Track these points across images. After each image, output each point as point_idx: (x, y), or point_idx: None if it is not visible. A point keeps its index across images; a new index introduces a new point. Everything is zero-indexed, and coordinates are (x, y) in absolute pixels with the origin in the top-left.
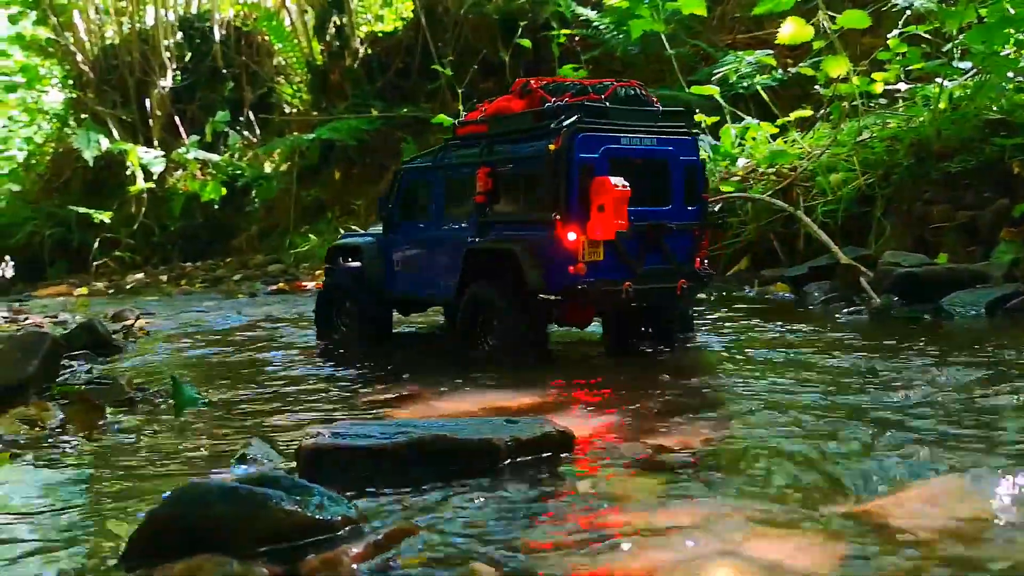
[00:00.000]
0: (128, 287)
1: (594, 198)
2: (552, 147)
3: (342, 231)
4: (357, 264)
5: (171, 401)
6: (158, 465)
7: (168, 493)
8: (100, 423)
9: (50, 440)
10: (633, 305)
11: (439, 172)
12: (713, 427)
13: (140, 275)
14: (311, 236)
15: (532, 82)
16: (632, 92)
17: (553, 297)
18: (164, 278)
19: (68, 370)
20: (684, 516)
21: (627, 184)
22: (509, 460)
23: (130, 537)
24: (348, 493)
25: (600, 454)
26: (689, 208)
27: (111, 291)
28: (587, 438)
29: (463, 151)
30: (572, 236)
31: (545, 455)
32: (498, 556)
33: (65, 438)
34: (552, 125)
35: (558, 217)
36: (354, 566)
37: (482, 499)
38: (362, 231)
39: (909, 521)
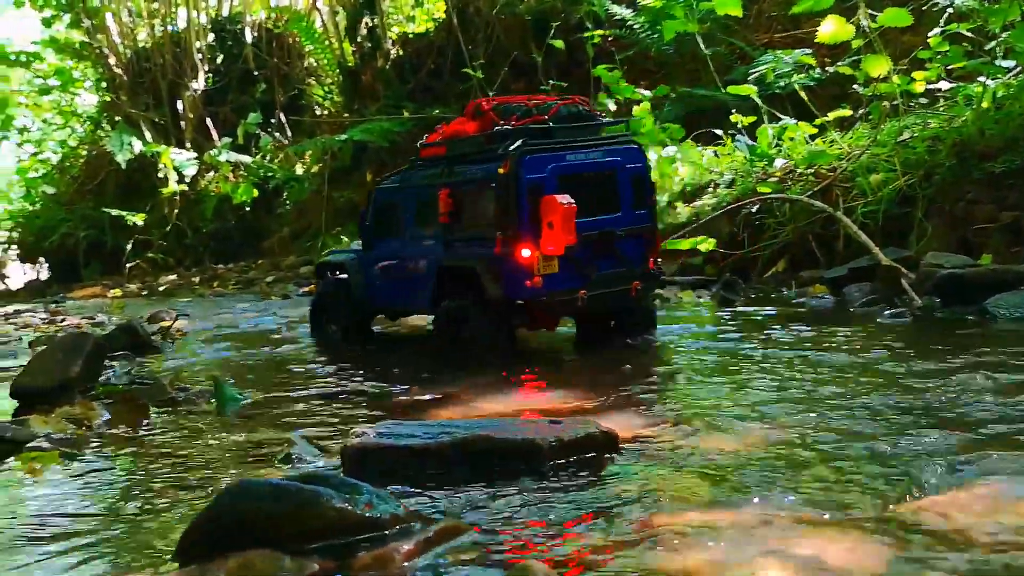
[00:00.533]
0: (161, 288)
1: (544, 216)
2: (501, 170)
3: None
4: (343, 277)
5: (213, 401)
6: (204, 463)
7: (220, 490)
8: (144, 422)
9: (97, 439)
10: (589, 310)
11: (407, 192)
12: (760, 429)
13: (173, 277)
14: (343, 237)
15: (484, 104)
16: (575, 109)
17: (515, 306)
18: (196, 280)
19: (109, 370)
20: (732, 516)
21: (572, 201)
22: (553, 461)
23: (184, 532)
24: (393, 492)
25: (644, 455)
26: (638, 213)
27: (144, 292)
28: (629, 438)
29: (427, 172)
30: (526, 253)
31: (589, 455)
32: (546, 554)
33: (111, 437)
34: (500, 150)
35: (510, 235)
36: (405, 563)
37: (527, 498)
38: (346, 249)
39: (963, 524)
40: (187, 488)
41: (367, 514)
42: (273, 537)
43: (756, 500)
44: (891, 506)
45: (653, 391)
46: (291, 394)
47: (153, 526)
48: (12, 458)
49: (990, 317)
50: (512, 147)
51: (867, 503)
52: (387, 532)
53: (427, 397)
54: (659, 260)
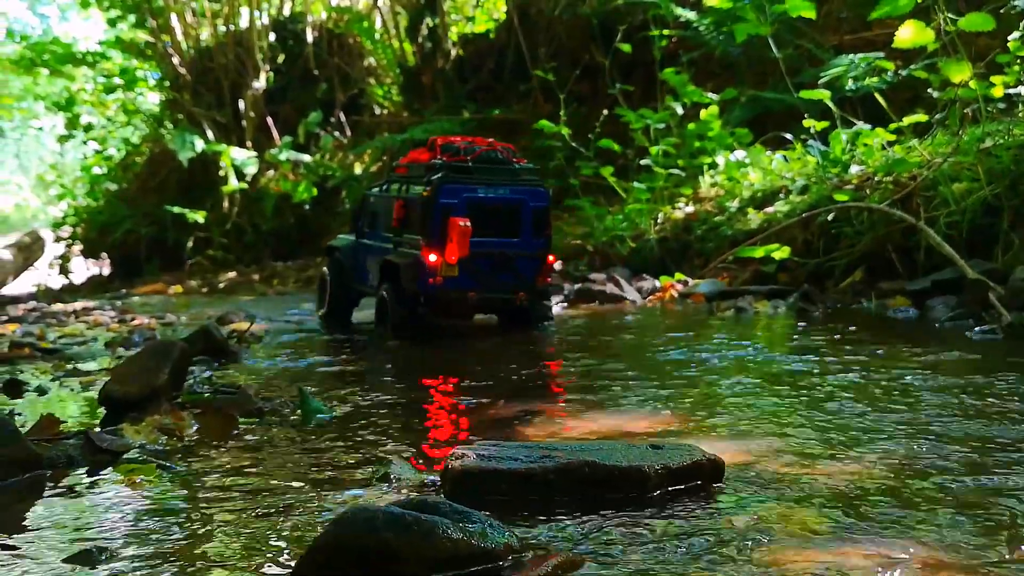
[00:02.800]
0: (221, 286)
1: (448, 232)
2: (424, 194)
3: None
4: (339, 257)
5: (299, 412)
6: (300, 481)
7: (333, 514)
8: (234, 433)
9: (189, 451)
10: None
11: (381, 199)
12: (867, 458)
13: (232, 274)
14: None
15: (437, 140)
16: (496, 155)
17: (420, 298)
18: (256, 277)
19: (191, 376)
20: (858, 554)
21: (469, 223)
22: (658, 490)
23: (299, 560)
24: (498, 519)
25: (749, 484)
26: (535, 241)
27: (204, 290)
28: (730, 465)
29: (393, 185)
30: (433, 258)
31: (694, 484)
32: None
33: (202, 449)
34: (426, 178)
35: (425, 244)
36: None
37: (635, 529)
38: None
39: None
40: (292, 506)
41: (481, 544)
42: (391, 567)
43: (879, 537)
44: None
45: (742, 413)
46: (372, 404)
47: (262, 547)
48: (109, 469)
49: None
50: (435, 177)
51: (1002, 545)
52: (501, 563)
53: (512, 412)
54: (550, 279)
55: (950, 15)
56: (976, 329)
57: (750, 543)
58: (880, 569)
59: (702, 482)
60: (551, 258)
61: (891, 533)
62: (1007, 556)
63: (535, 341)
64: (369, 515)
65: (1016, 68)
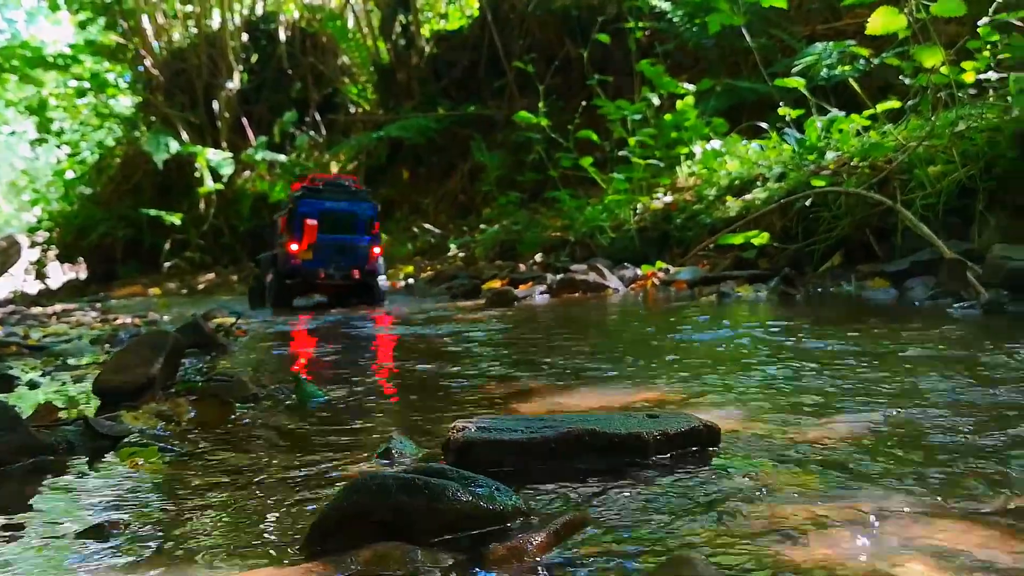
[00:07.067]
0: (200, 287)
1: (304, 229)
2: (291, 206)
3: (415, 229)
4: (275, 252)
5: (294, 397)
6: (303, 458)
7: (341, 483)
8: (232, 417)
9: (190, 434)
10: (329, 284)
11: (288, 206)
12: (858, 421)
13: (211, 275)
14: (381, 235)
15: (310, 175)
16: (342, 182)
17: (287, 279)
18: (235, 278)
19: (183, 367)
20: (852, 508)
21: (316, 223)
22: (658, 455)
23: (312, 525)
24: (503, 486)
25: (744, 447)
26: (366, 236)
27: (184, 291)
28: (725, 431)
29: (291, 197)
30: (294, 247)
31: (692, 449)
32: (673, 545)
33: (203, 432)
34: (292, 197)
35: (289, 238)
36: (540, 555)
37: (639, 492)
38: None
39: None
40: (296, 482)
41: (490, 507)
42: (403, 530)
43: (874, 491)
44: (1019, 499)
45: (731, 386)
46: (364, 389)
47: (271, 518)
48: (111, 454)
49: None
50: (297, 195)
51: (991, 495)
52: (509, 525)
53: (505, 391)
54: (378, 262)
55: (922, 1)
56: (955, 306)
57: (751, 500)
58: (876, 520)
59: (699, 447)
60: (378, 250)
61: (885, 488)
62: (999, 507)
63: (522, 326)
64: (381, 480)
65: (986, 53)
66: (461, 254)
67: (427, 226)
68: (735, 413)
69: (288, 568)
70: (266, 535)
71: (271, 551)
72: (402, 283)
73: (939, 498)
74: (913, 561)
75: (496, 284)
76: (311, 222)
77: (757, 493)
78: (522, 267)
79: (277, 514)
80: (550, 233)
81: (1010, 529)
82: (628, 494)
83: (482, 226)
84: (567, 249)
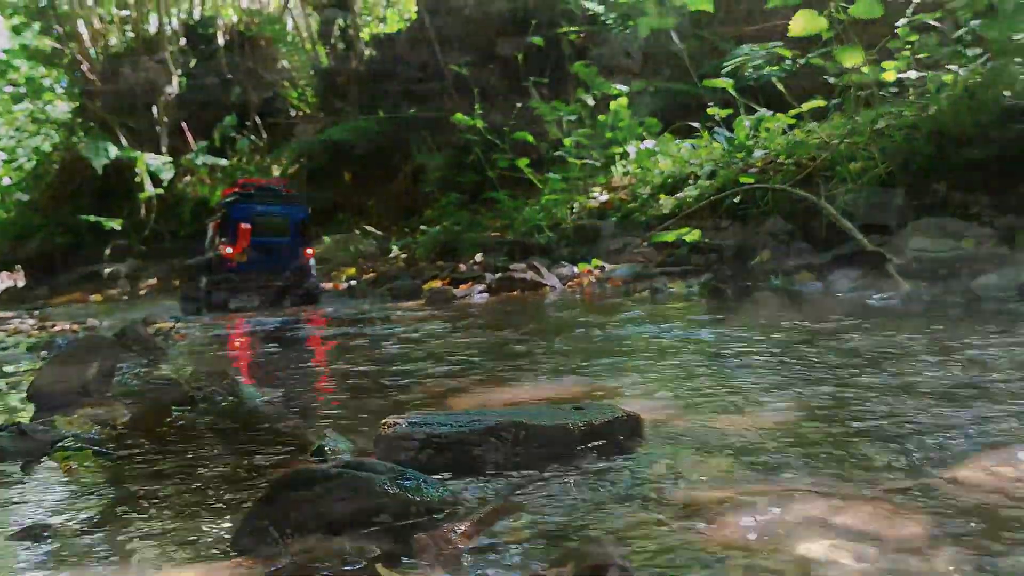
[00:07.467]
0: (142, 292)
1: (238, 233)
2: (223, 211)
3: (357, 231)
4: (208, 258)
5: (231, 398)
6: (237, 459)
7: (269, 480)
8: (167, 420)
9: (124, 438)
10: (264, 286)
11: (220, 211)
12: (776, 409)
13: (152, 280)
14: (325, 238)
15: (239, 181)
16: (273, 188)
17: (222, 283)
18: (177, 283)
19: (120, 372)
20: (765, 491)
21: (249, 226)
22: (584, 445)
23: (242, 521)
24: (433, 478)
25: (666, 437)
26: (297, 238)
27: (125, 297)
28: (649, 422)
29: (216, 213)
30: (229, 250)
31: (617, 439)
32: (595, 532)
33: (138, 436)
34: (225, 202)
35: (224, 241)
36: (464, 543)
37: (565, 481)
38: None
39: (994, 488)
40: (229, 481)
41: (417, 498)
42: (330, 523)
43: (786, 475)
44: (922, 478)
45: (655, 378)
46: (302, 390)
47: (205, 516)
48: (45, 457)
49: (975, 298)
50: (229, 201)
51: (898, 475)
52: (436, 515)
53: (440, 389)
54: (310, 260)
55: (842, 3)
56: (875, 297)
57: (669, 487)
58: (785, 501)
59: (623, 437)
60: (310, 251)
61: (796, 472)
62: (906, 485)
63: (458, 325)
64: (309, 474)
65: (906, 53)
66: (403, 255)
67: (369, 228)
68: (660, 404)
69: (218, 563)
70: (198, 534)
71: (202, 550)
72: (345, 285)
73: (845, 480)
74: (814, 539)
75: (436, 284)
76: (245, 226)
77: (675, 480)
78: (462, 267)
79: (210, 513)
80: (490, 233)
81: (913, 505)
82: (552, 483)
83: (423, 227)
84: (505, 248)
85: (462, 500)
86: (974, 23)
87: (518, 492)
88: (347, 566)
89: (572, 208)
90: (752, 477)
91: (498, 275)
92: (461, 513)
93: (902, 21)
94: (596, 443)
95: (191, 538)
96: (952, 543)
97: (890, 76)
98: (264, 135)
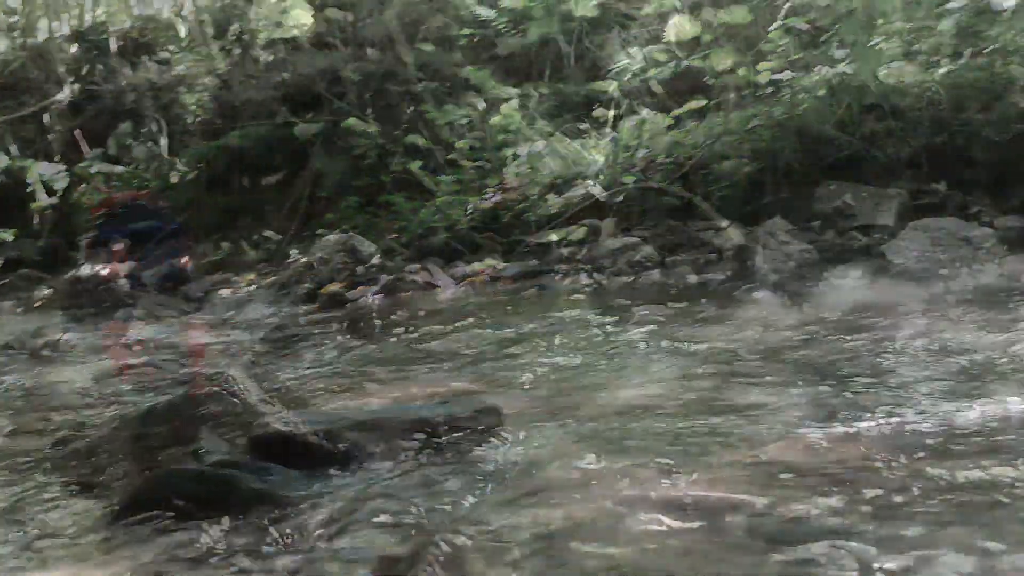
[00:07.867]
0: (37, 305)
1: (112, 252)
2: (94, 233)
3: (256, 237)
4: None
5: (114, 405)
6: (117, 462)
7: (143, 477)
8: (51, 429)
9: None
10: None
11: (91, 232)
12: (634, 395)
13: (48, 291)
14: (223, 244)
15: (113, 197)
16: (142, 203)
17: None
18: (64, 297)
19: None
20: (611, 471)
21: (122, 246)
22: (446, 436)
23: (114, 514)
24: (300, 473)
25: (527, 425)
26: (173, 251)
27: (20, 309)
28: (514, 412)
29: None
30: (105, 271)
31: (479, 429)
32: (445, 519)
33: (14, 448)
34: (95, 222)
35: (97, 259)
36: (319, 531)
37: (425, 471)
38: None
39: (820, 460)
40: (102, 484)
41: (280, 492)
42: (197, 516)
43: (634, 456)
44: (757, 451)
45: (527, 370)
46: (184, 393)
47: (70, 517)
48: None
49: (833, 289)
50: (99, 222)
51: (738, 450)
52: (300, 507)
53: (322, 387)
54: (188, 267)
55: (717, 8)
56: (743, 288)
57: (519, 471)
58: (630, 478)
59: (485, 427)
60: (185, 259)
61: (647, 451)
62: (742, 458)
63: (348, 328)
64: (174, 473)
65: (779, 55)
66: (303, 260)
67: (268, 234)
68: (525, 396)
69: (91, 558)
70: (72, 525)
71: (73, 547)
72: (244, 291)
73: (690, 456)
74: (645, 510)
75: (333, 287)
76: (116, 246)
77: (529, 463)
78: (359, 269)
79: (83, 509)
80: (386, 237)
81: (744, 477)
82: (413, 473)
83: (322, 231)
84: (401, 252)
85: (324, 492)
86: (837, 27)
87: (378, 483)
88: (213, 556)
89: (467, 209)
90: (604, 458)
91: (390, 277)
92: (322, 504)
93: (774, 25)
94: (460, 433)
95: (69, 529)
96: None
97: (764, 77)
98: (161, 141)
